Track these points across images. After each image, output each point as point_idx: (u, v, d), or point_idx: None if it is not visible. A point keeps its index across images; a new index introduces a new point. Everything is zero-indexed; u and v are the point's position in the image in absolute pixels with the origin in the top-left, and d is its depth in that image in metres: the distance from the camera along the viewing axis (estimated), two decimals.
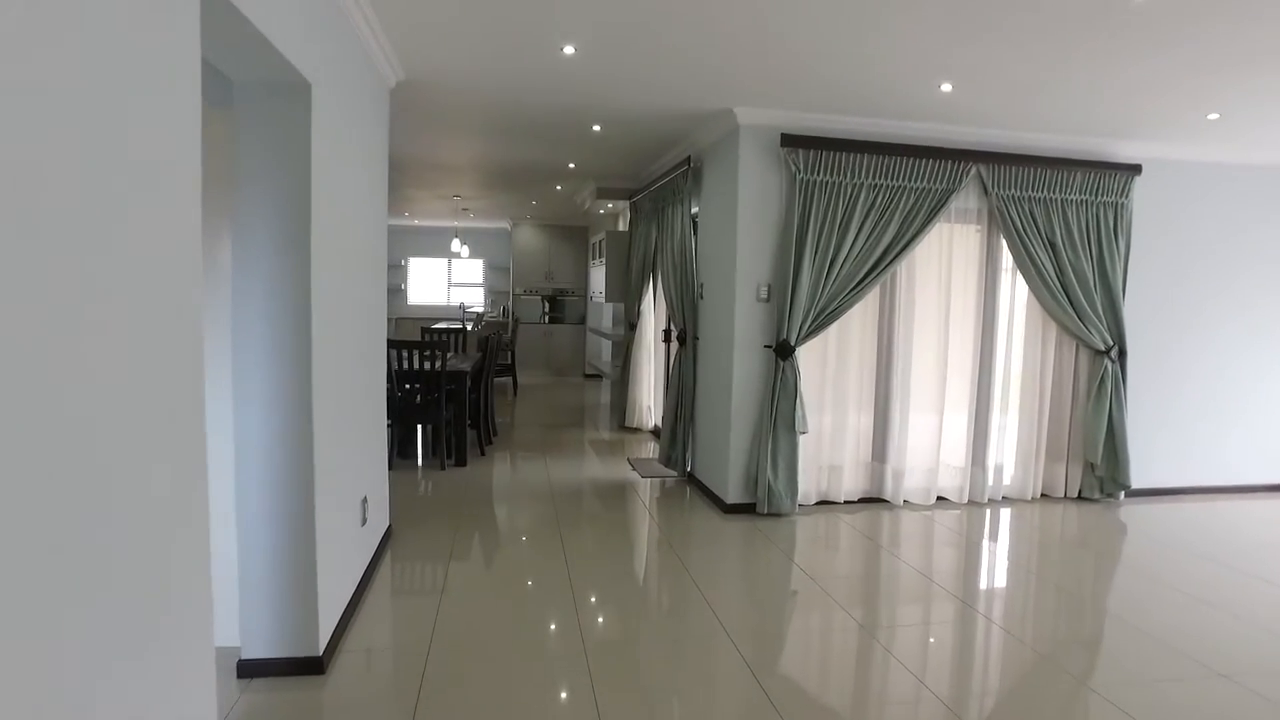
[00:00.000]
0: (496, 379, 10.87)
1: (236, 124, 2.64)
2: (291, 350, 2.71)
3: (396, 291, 14.33)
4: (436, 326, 10.05)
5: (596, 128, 5.64)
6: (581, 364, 13.03)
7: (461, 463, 6.27)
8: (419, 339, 7.96)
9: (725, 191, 5.26)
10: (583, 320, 12.97)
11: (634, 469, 6.37)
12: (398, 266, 14.28)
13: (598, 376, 12.74)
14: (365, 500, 3.72)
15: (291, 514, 2.78)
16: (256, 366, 2.70)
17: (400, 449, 6.57)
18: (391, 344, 5.96)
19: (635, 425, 8.01)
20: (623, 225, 9.25)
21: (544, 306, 12.93)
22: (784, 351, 4.98)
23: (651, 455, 6.92)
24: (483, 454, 6.71)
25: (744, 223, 5.01)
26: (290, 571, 2.79)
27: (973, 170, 5.14)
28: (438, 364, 6.02)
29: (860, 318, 5.33)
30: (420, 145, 6.56)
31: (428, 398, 6.06)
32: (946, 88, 4.25)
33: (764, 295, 5.08)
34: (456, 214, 11.57)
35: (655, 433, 7.87)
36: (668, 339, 7.53)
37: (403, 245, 14.25)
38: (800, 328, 5.00)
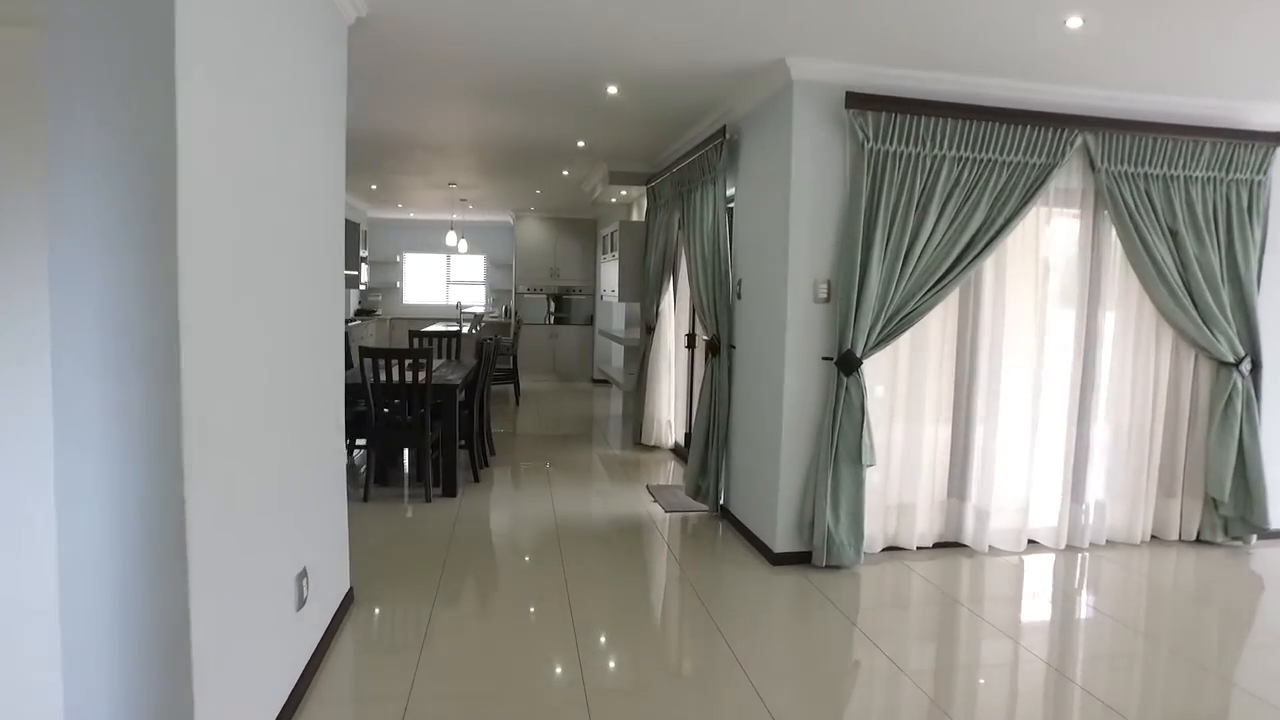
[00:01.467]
0: (496, 386, 9.89)
1: (52, 35, 1.67)
2: (146, 377, 1.74)
3: (391, 290, 13.36)
4: (430, 329, 9.09)
5: (612, 89, 4.65)
6: (590, 368, 12.04)
7: (450, 492, 5.29)
8: (408, 345, 7.00)
9: (773, 167, 4.27)
10: (591, 321, 11.99)
11: (655, 499, 5.38)
12: (393, 263, 13.32)
13: (607, 382, 11.75)
14: (304, 574, 2.74)
15: (150, 625, 1.80)
16: (87, 400, 1.72)
17: (379, 474, 5.59)
18: (366, 353, 4.98)
19: (653, 442, 7.02)
20: (638, 215, 8.26)
21: (549, 306, 11.95)
22: (848, 365, 3.99)
23: (674, 482, 5.93)
24: (477, 479, 5.73)
25: (798, 205, 4.02)
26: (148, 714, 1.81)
27: (1078, 140, 4.14)
28: (422, 376, 5.04)
29: (937, 324, 4.34)
30: (401, 116, 5.58)
31: (411, 416, 5.08)
32: (1074, 22, 3.24)
33: (822, 295, 4.09)
34: (453, 205, 10.61)
35: (676, 451, 6.88)
36: (691, 345, 6.54)
37: (397, 240, 13.28)
38: (868, 336, 4.01)
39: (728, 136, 4.80)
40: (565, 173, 7.85)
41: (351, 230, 10.75)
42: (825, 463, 4.03)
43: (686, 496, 5.19)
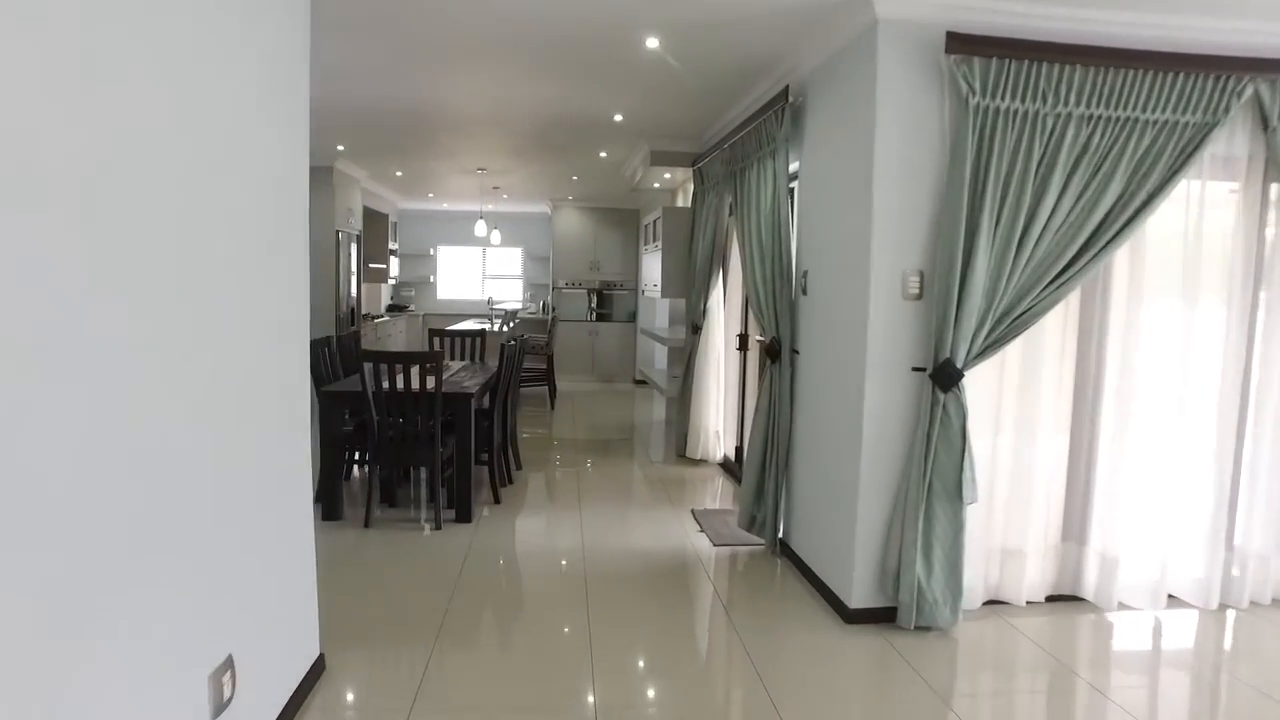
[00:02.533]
0: (530, 388, 9.21)
1: None
2: None
3: (425, 285, 12.79)
4: (457, 328, 8.44)
5: (651, 42, 3.88)
6: (632, 368, 11.30)
7: (465, 516, 4.58)
8: (427, 345, 6.33)
9: (850, 133, 3.47)
10: (633, 318, 11.24)
11: (701, 528, 4.61)
12: (425, 256, 12.73)
13: (643, 383, 10.99)
14: (229, 665, 2.04)
15: None
16: None
17: (386, 494, 4.92)
18: (368, 357, 4.29)
19: (699, 456, 6.24)
20: (683, 201, 7.48)
21: (590, 301, 11.24)
22: (945, 377, 3.17)
23: (723, 505, 5.16)
24: (498, 500, 5.02)
25: (884, 178, 3.21)
26: None
27: (1247, 91, 3.24)
28: (432, 383, 4.35)
29: (1055, 326, 3.49)
30: (417, 87, 4.89)
31: (420, 429, 4.39)
32: None
33: (913, 290, 3.27)
34: (484, 194, 9.95)
35: (725, 467, 6.09)
36: (743, 346, 5.74)
37: (430, 232, 12.70)
38: (971, 341, 3.18)
39: (791, 99, 4.00)
40: (603, 154, 7.11)
41: (379, 221, 10.16)
42: (915, 499, 3.22)
43: (739, 527, 4.40)
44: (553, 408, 8.78)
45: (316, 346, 4.92)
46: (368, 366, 4.29)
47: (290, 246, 2.47)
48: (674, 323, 7.89)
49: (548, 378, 8.82)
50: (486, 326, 8.63)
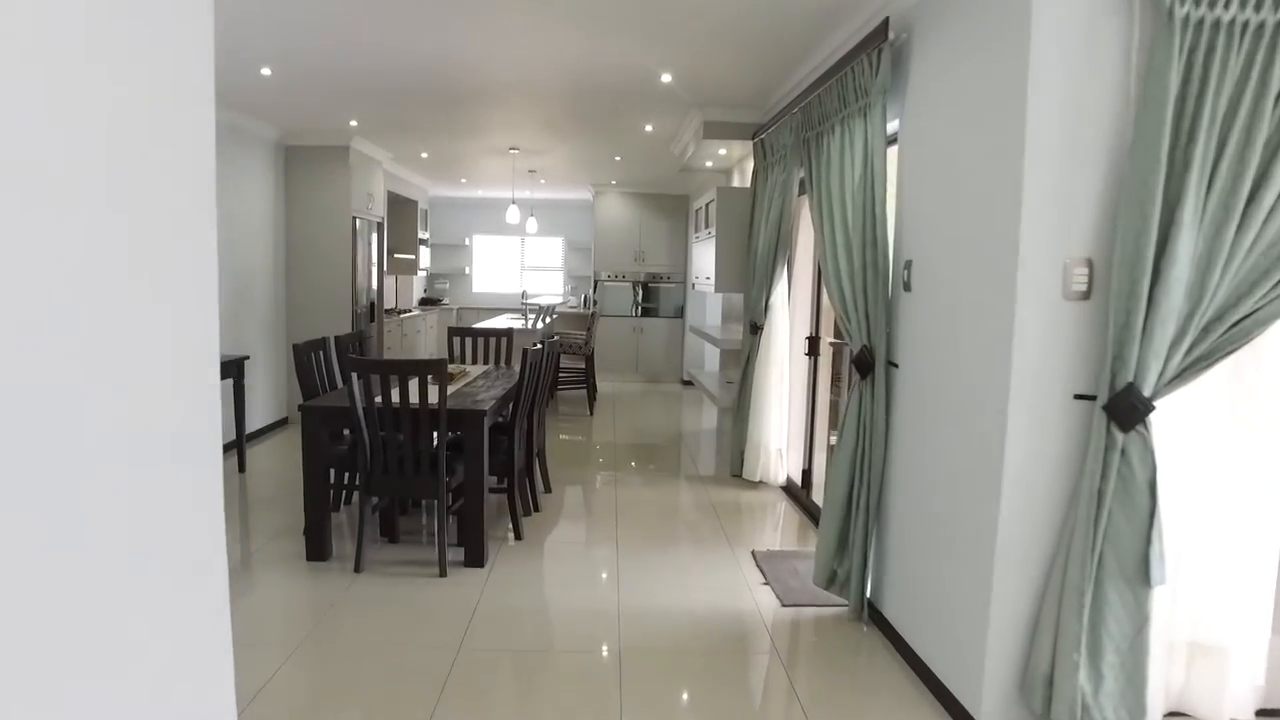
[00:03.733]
0: (567, 390, 8.40)
1: None
2: None
3: (459, 277, 12.06)
4: (486, 325, 7.66)
5: None
6: (679, 367, 10.43)
7: (475, 560, 3.77)
8: (446, 346, 5.54)
9: (984, 72, 2.53)
10: (680, 313, 10.36)
11: (764, 577, 3.73)
12: (460, 247, 12.00)
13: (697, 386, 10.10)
14: None
15: None
16: None
17: (388, 527, 4.13)
18: (356, 367, 3.49)
19: (758, 477, 5.34)
20: (740, 180, 6.56)
21: (635, 295, 10.39)
22: (1128, 410, 2.23)
23: (789, 545, 4.26)
24: (518, 536, 4.20)
25: (1040, 132, 2.28)
26: None
27: None
28: (436, 397, 3.53)
29: (1274, 336, 2.51)
30: (432, 43, 4.07)
31: (421, 455, 3.58)
32: None
33: (1079, 286, 2.34)
34: (520, 179, 9.15)
35: (790, 492, 5.19)
36: (813, 351, 4.83)
37: (464, 220, 11.96)
38: (1168, 358, 2.23)
39: (891, 40, 3.07)
40: (648, 128, 6.22)
41: (406, 208, 9.44)
42: (1078, 577, 2.29)
43: (813, 582, 3.50)
44: (591, 412, 7.95)
45: (305, 351, 4.14)
46: (356, 378, 3.48)
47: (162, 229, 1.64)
48: (728, 319, 6.99)
49: (587, 379, 8.00)
50: (521, 323, 7.83)
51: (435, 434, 3.58)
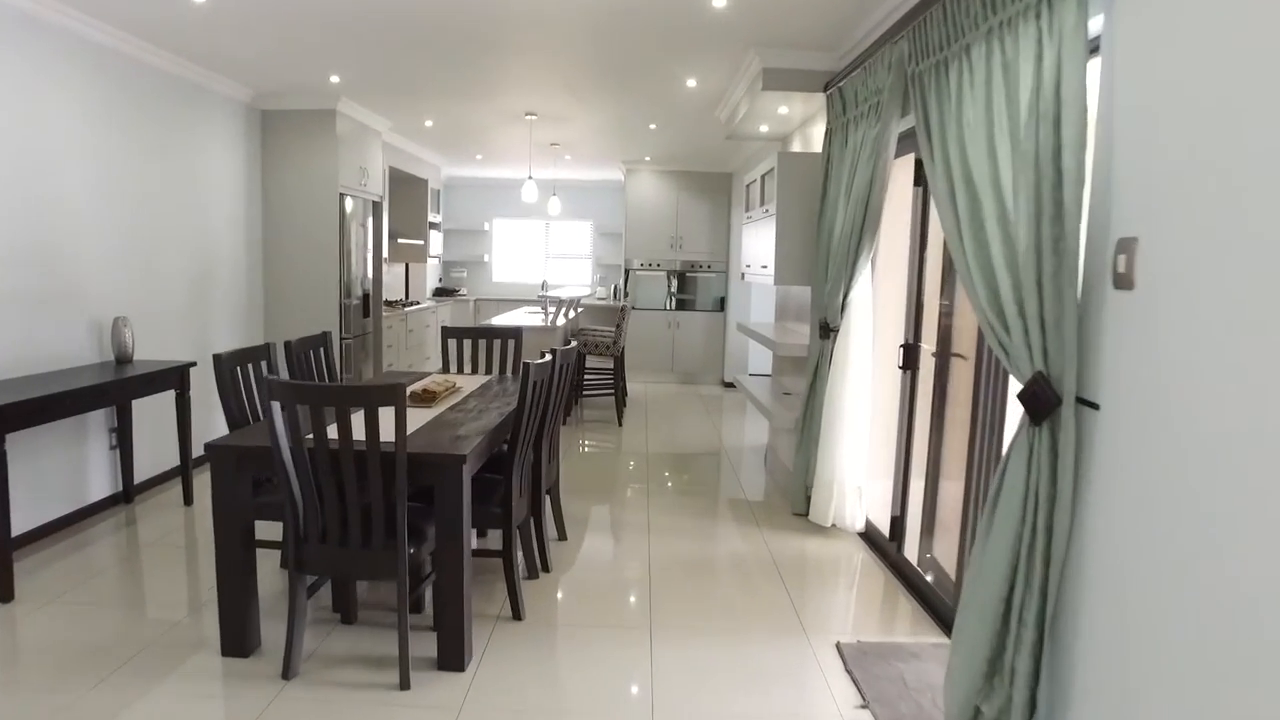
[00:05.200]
0: (593, 396, 7.31)
1: None
2: None
3: (478, 265, 11.02)
4: (497, 321, 6.61)
5: None
6: (719, 367, 9.30)
7: (452, 662, 2.69)
8: (440, 348, 4.48)
9: None
10: (721, 305, 9.22)
11: (861, 697, 2.62)
12: (479, 232, 10.96)
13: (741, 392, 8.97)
14: None
15: None
16: None
17: (340, 598, 3.07)
18: (279, 393, 2.43)
19: (829, 521, 4.21)
20: (801, 144, 5.38)
21: (670, 285, 9.26)
22: None
23: (887, 636, 3.13)
24: (517, 615, 3.12)
25: None
26: None
27: None
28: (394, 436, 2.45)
29: None
30: None
31: (373, 517, 2.51)
32: None
33: None
34: (543, 155, 8.05)
35: (872, 542, 4.05)
36: (910, 364, 3.68)
37: (483, 203, 10.91)
38: None
39: None
40: (691, 83, 5.08)
41: (413, 187, 8.40)
42: None
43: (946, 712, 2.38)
44: (620, 422, 6.85)
45: (232, 363, 3.09)
46: (278, 409, 2.41)
47: None
48: (784, 316, 5.84)
49: (616, 383, 6.90)
50: (540, 319, 6.75)
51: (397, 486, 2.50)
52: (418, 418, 3.10)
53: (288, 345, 3.52)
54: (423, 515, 2.76)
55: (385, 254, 7.48)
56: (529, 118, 6.34)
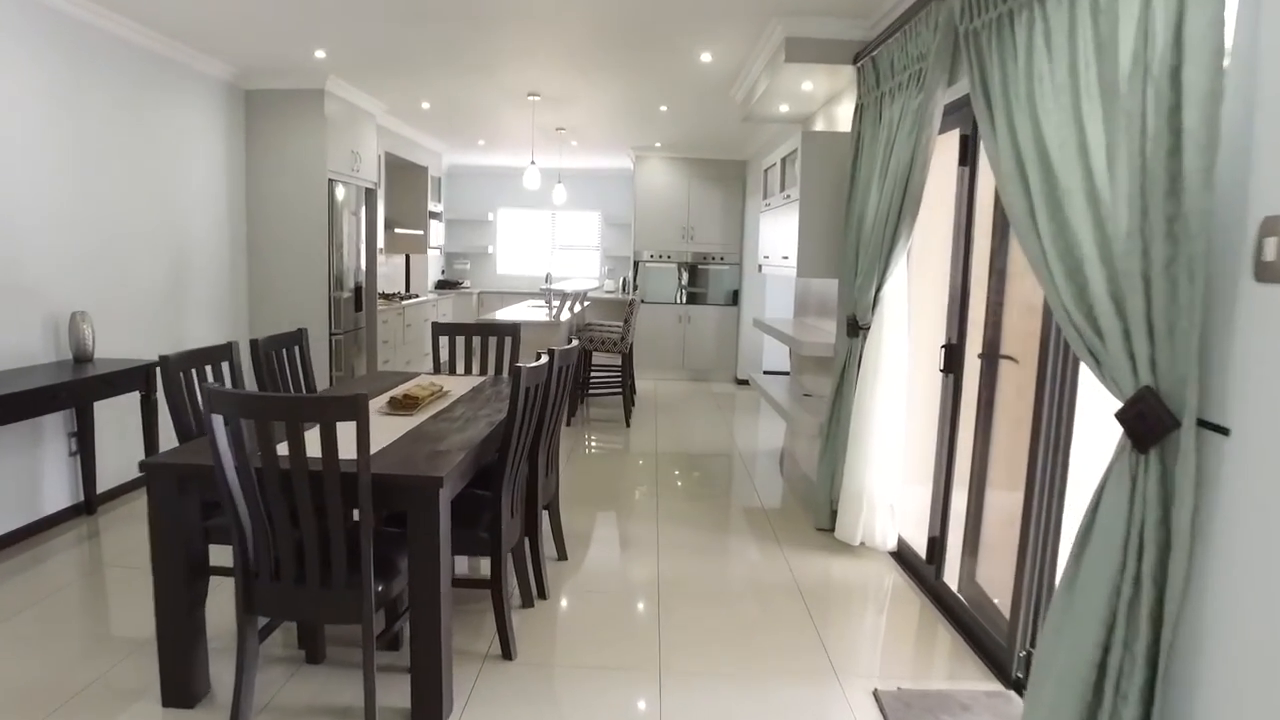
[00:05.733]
0: (600, 395, 6.92)
1: None
2: None
3: (482, 256, 10.64)
4: (498, 317, 6.25)
5: None
6: (732, 364, 8.90)
7: (431, 714, 2.31)
8: (431, 347, 4.12)
9: None
10: (734, 299, 8.81)
11: None
12: (483, 222, 10.57)
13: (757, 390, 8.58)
14: None
15: None
16: None
17: (310, 638, 2.69)
18: (218, 402, 2.04)
19: (858, 539, 3.81)
20: (824, 125, 4.96)
21: (680, 278, 8.86)
22: None
23: (929, 683, 2.73)
24: (507, 654, 2.73)
25: None
26: None
27: None
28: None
29: None
30: None
31: (333, 551, 2.13)
32: None
33: None
34: (548, 141, 7.65)
35: (905, 563, 3.65)
36: (951, 367, 3.27)
37: (487, 192, 10.52)
38: None
39: None
40: (705, 58, 4.67)
41: (412, 175, 8.02)
42: None
43: None
44: (628, 423, 6.46)
45: (179, 366, 2.71)
46: (219, 424, 2.03)
47: None
48: (804, 312, 5.43)
49: (624, 382, 6.51)
50: (544, 313, 6.36)
51: (372, 512, 2.12)
52: (395, 428, 2.71)
53: (254, 344, 3.14)
54: (396, 543, 2.38)
55: (381, 245, 7.11)
56: (532, 99, 5.94)
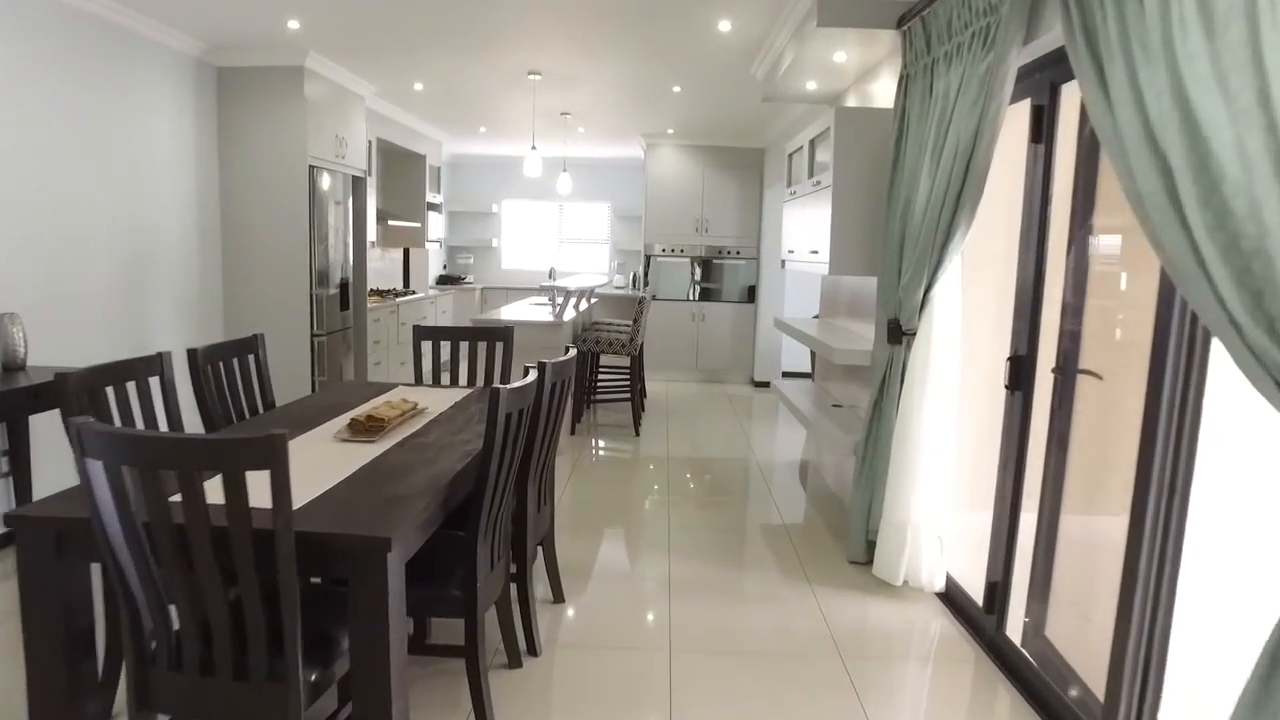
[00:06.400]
0: (607, 399, 6.42)
1: None
2: None
3: (486, 250, 10.17)
4: (490, 317, 5.78)
5: None
6: (749, 364, 8.39)
7: None
8: (412, 349, 3.71)
9: None
10: (751, 296, 8.29)
11: None
12: (487, 214, 10.09)
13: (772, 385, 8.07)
14: None
15: None
16: None
17: None
18: (95, 444, 1.54)
19: (900, 578, 3.29)
20: (857, 102, 4.43)
21: (694, 273, 8.34)
22: None
23: None
24: None
25: None
26: None
27: None
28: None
29: None
30: None
31: (250, 629, 1.64)
32: None
33: None
34: (553, 128, 7.15)
35: (955, 607, 3.13)
36: (1019, 383, 2.76)
37: (491, 183, 10.04)
38: None
39: None
40: (723, 25, 4.15)
41: (408, 164, 7.55)
42: None
43: None
44: (638, 431, 5.97)
45: (89, 384, 2.24)
46: (97, 471, 1.55)
47: None
48: (832, 312, 4.92)
49: (633, 387, 6.00)
50: (547, 312, 5.87)
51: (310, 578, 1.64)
52: (350, 460, 2.23)
53: (192, 356, 2.66)
54: (338, 610, 1.89)
55: (373, 238, 6.63)
56: (533, 78, 5.44)
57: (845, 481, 4.33)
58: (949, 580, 3.24)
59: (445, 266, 9.96)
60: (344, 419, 2.67)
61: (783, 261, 4.91)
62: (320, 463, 2.19)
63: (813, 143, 4.15)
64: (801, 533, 4.00)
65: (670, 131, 7.77)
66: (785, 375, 8.42)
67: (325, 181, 5.30)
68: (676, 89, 5.74)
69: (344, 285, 5.65)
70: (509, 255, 10.25)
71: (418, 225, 7.72)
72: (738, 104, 6.13)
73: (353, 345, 5.87)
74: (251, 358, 2.99)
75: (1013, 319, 2.78)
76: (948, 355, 3.10)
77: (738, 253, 8.29)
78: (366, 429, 2.51)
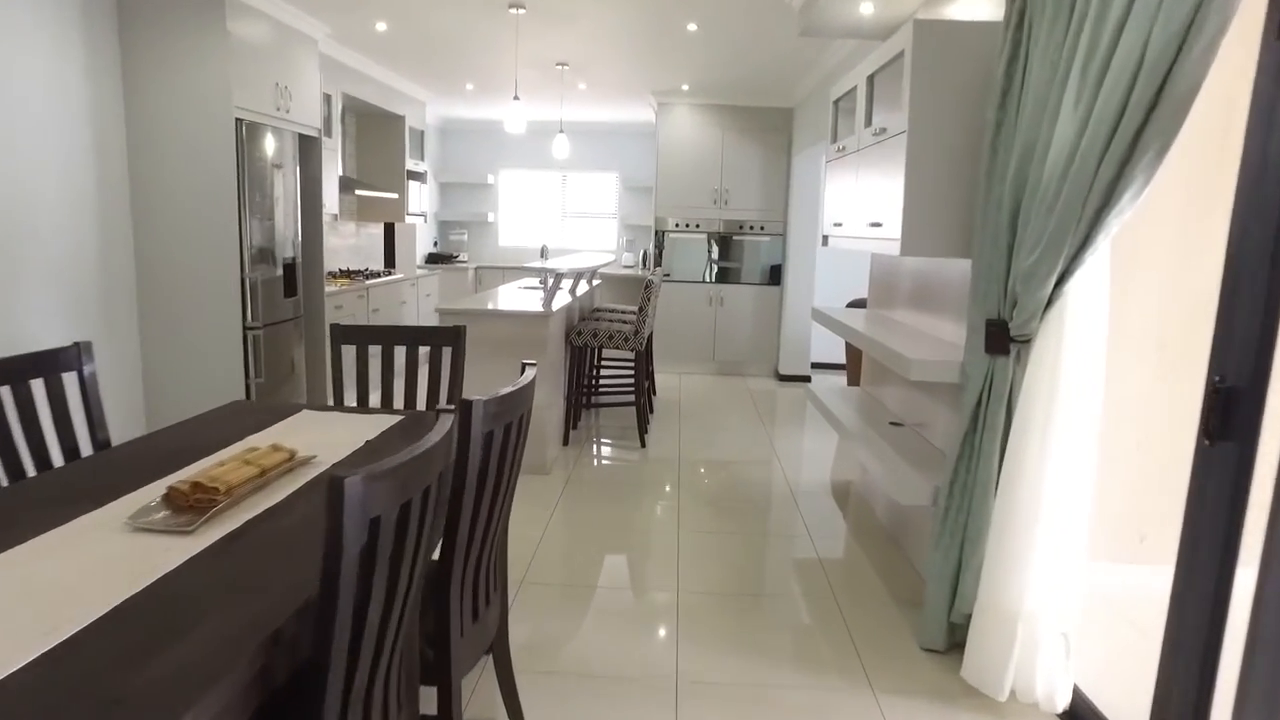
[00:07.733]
0: (610, 399, 5.46)
1: None
2: None
3: (482, 226, 9.21)
4: (504, 297, 4.83)
5: None
6: (773, 354, 7.41)
7: None
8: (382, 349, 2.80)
9: None
10: (776, 278, 7.30)
11: None
12: (483, 186, 9.12)
13: (801, 379, 7.10)
14: None
15: None
16: None
17: None
18: None
19: (1007, 689, 2.32)
20: (949, 11, 3.41)
21: (711, 251, 7.35)
22: None
23: None
24: None
25: None
26: None
27: None
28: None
29: None
30: None
31: None
32: None
33: None
34: (548, 82, 6.14)
35: None
36: (1232, 430, 1.73)
37: (487, 151, 9.06)
38: None
39: None
40: None
41: (385, 126, 6.59)
42: None
43: None
44: (644, 442, 5.01)
45: None
46: None
47: None
48: (887, 301, 3.92)
49: (638, 386, 5.03)
50: (539, 297, 4.91)
51: None
52: (124, 577, 1.29)
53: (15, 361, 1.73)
54: None
55: (335, 209, 5.68)
56: (515, 11, 4.44)
57: (904, 518, 3.37)
58: (1076, 694, 2.28)
59: (436, 244, 9.01)
60: (170, 481, 1.72)
61: (824, 237, 3.91)
62: (68, 581, 1.25)
63: (872, 80, 3.14)
64: (836, 555, 3.04)
65: (685, 88, 6.76)
66: (815, 366, 7.44)
67: (264, 140, 4.34)
68: (691, 27, 4.72)
69: (290, 266, 4.71)
70: (507, 231, 9.28)
71: (395, 196, 6.75)
72: (766, 46, 5.11)
73: (305, 338, 4.94)
74: (72, 377, 2.06)
75: (1214, 328, 1.78)
76: (1087, 376, 2.11)
77: (761, 228, 7.28)
78: (189, 505, 1.57)
